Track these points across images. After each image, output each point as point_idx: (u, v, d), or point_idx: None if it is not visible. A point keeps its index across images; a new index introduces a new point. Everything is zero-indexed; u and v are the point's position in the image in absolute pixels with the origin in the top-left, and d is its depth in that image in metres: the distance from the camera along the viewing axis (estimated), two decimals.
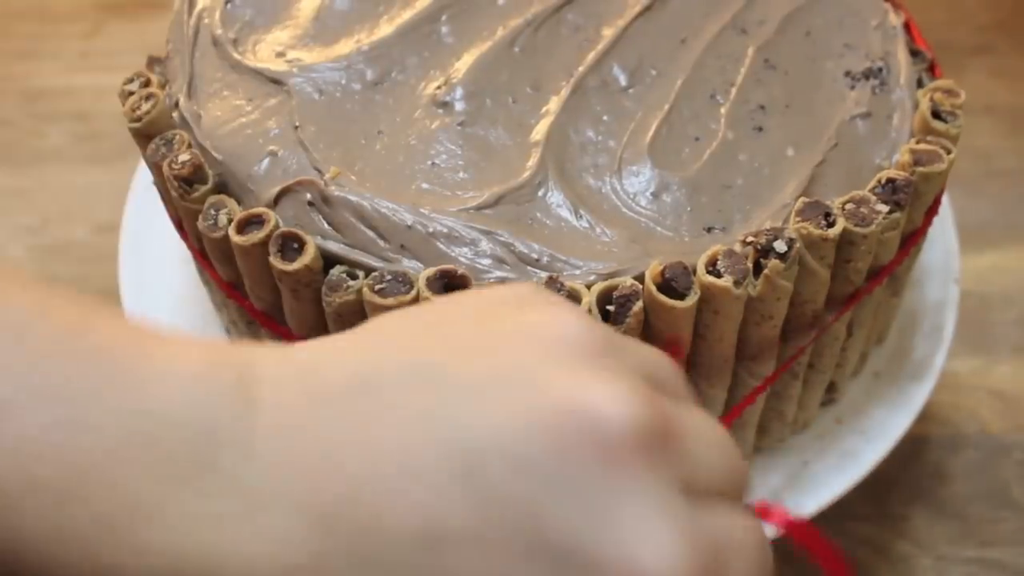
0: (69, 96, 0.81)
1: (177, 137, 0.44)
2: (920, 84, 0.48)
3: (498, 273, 0.39)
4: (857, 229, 0.40)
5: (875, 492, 0.58)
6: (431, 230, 0.40)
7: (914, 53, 0.49)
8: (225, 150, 0.43)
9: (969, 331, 0.64)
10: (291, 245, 0.40)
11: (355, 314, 0.40)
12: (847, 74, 0.47)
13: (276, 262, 0.39)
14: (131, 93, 0.45)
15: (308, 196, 0.41)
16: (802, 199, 0.41)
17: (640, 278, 0.39)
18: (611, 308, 0.38)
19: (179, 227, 0.47)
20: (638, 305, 0.38)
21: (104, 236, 0.69)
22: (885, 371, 0.55)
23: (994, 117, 0.77)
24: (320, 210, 0.41)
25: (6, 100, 0.81)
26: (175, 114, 0.45)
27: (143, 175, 0.61)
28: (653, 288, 0.38)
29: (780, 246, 0.39)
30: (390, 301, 0.39)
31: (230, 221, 0.41)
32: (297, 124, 0.44)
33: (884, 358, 0.55)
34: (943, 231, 0.58)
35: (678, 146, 0.45)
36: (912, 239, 0.46)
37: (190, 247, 0.47)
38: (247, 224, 0.41)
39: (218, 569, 0.25)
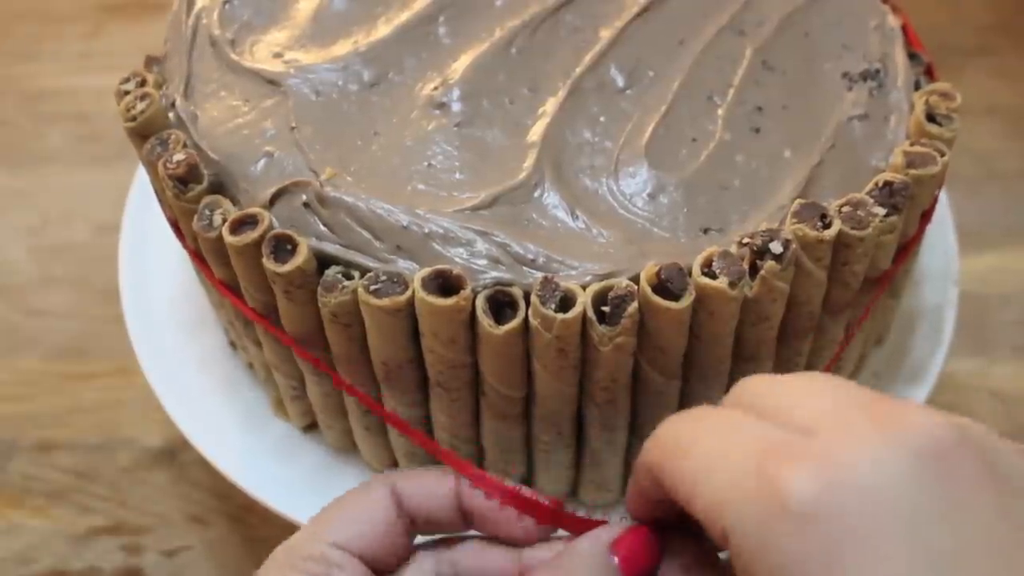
0: (69, 97, 0.81)
1: (172, 136, 0.44)
2: (918, 86, 0.48)
3: (494, 273, 0.39)
4: (853, 232, 0.40)
5: None
6: (427, 231, 0.40)
7: (911, 56, 0.49)
8: (221, 150, 0.43)
9: (968, 332, 0.64)
10: (284, 247, 0.40)
11: (350, 315, 0.40)
12: (845, 75, 0.47)
13: (269, 263, 0.40)
14: (127, 93, 0.45)
15: (304, 197, 0.41)
16: (798, 200, 0.41)
17: (636, 279, 0.39)
18: (606, 309, 0.38)
19: (175, 227, 0.47)
20: (633, 306, 0.38)
21: (104, 236, 0.69)
22: (884, 372, 0.55)
23: (995, 118, 0.77)
24: (316, 211, 0.41)
25: (6, 100, 0.81)
26: (171, 114, 0.45)
27: (143, 175, 0.61)
28: (648, 289, 0.38)
29: (776, 247, 0.39)
30: (385, 302, 0.39)
31: (224, 221, 0.41)
32: (293, 125, 0.44)
33: (883, 359, 0.55)
34: (942, 232, 0.58)
35: (675, 147, 0.45)
36: (908, 245, 0.46)
37: (186, 247, 0.47)
38: (241, 224, 0.41)
39: None
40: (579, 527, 0.37)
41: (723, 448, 0.30)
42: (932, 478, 0.27)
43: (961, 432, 0.28)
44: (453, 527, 0.38)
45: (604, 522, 0.36)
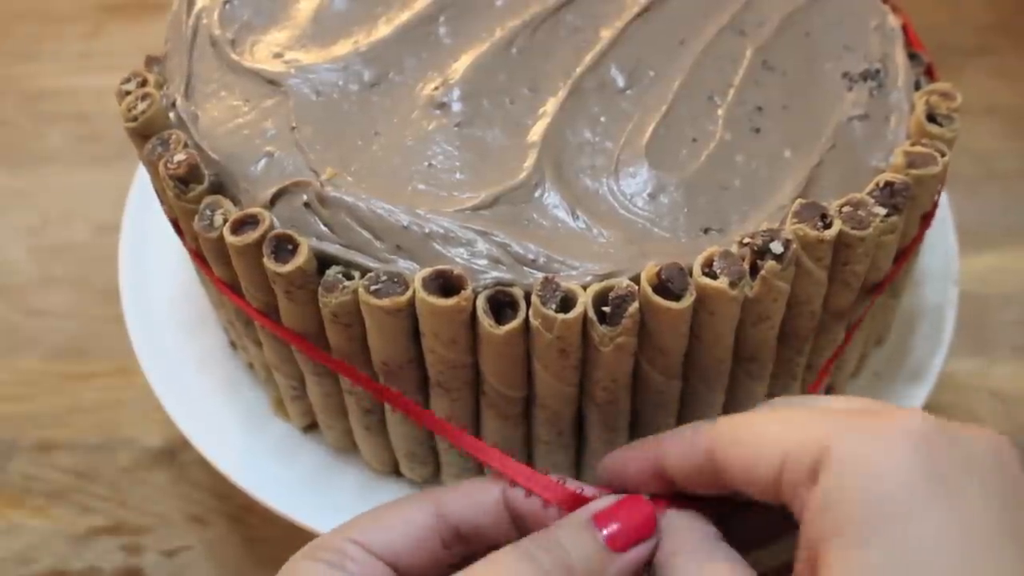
0: (69, 97, 0.81)
1: (173, 136, 0.44)
2: (918, 87, 0.48)
3: (494, 273, 0.39)
4: (854, 232, 0.40)
5: None
6: (427, 231, 0.40)
7: (911, 56, 0.49)
8: (222, 150, 0.43)
9: (969, 332, 0.64)
10: (285, 247, 0.40)
11: (351, 315, 0.40)
12: (845, 75, 0.47)
13: (269, 263, 0.40)
14: (127, 93, 0.45)
15: (304, 197, 0.41)
16: (799, 200, 0.41)
17: (637, 279, 0.39)
18: (606, 309, 0.38)
19: (176, 226, 0.47)
20: (634, 306, 0.38)
21: (104, 236, 0.69)
22: (885, 372, 0.55)
23: (994, 118, 0.77)
24: (316, 211, 0.41)
25: (6, 100, 0.81)
26: (172, 114, 0.45)
27: (143, 175, 0.61)
28: (649, 289, 0.38)
29: (776, 247, 0.39)
30: (385, 302, 0.39)
31: (225, 221, 0.41)
32: (294, 125, 0.44)
33: (884, 359, 0.55)
34: (942, 232, 0.58)
35: (675, 147, 0.45)
36: (909, 246, 0.46)
37: (187, 246, 0.47)
38: (242, 225, 0.41)
39: None
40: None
41: (800, 412, 0.34)
42: (1015, 462, 0.31)
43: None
44: (502, 535, 0.38)
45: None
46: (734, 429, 0.34)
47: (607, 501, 0.36)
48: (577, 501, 0.37)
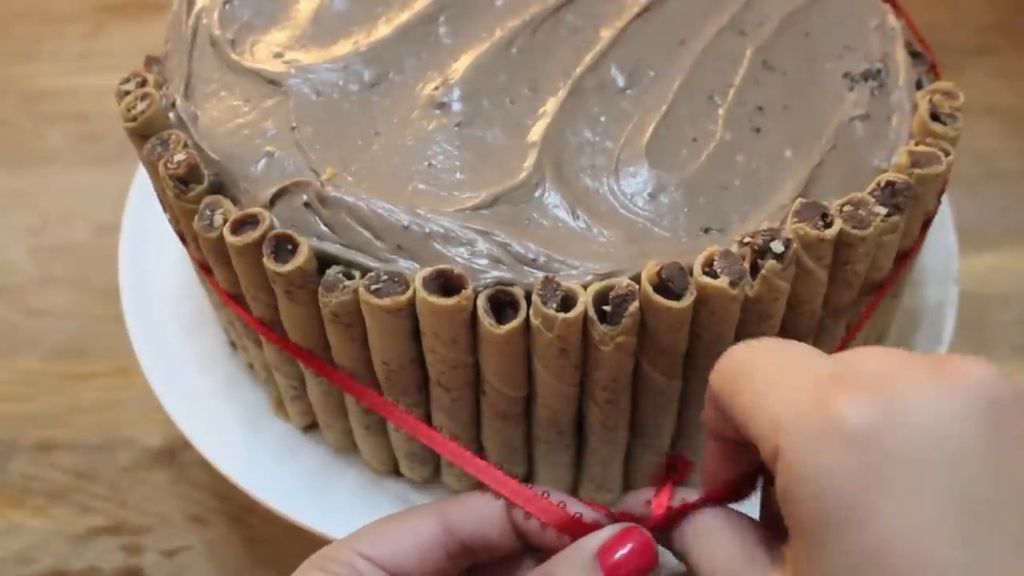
0: (69, 97, 0.81)
1: (173, 136, 0.44)
2: (920, 85, 0.48)
3: (495, 273, 0.39)
4: (854, 231, 0.40)
5: None
6: (427, 230, 0.40)
7: (915, 54, 0.49)
8: (222, 151, 0.43)
9: (968, 331, 0.64)
10: (285, 246, 0.40)
11: (351, 315, 0.40)
12: (846, 75, 0.47)
13: (269, 263, 0.39)
14: (127, 93, 0.45)
15: (304, 197, 0.41)
16: (799, 200, 0.41)
17: (637, 278, 0.39)
18: (607, 308, 0.38)
19: (181, 238, 0.47)
20: (634, 305, 0.38)
21: (104, 236, 0.69)
22: None
23: (994, 118, 0.77)
24: (316, 211, 0.41)
25: (6, 100, 0.81)
26: (172, 114, 0.45)
27: (143, 175, 0.61)
28: (649, 288, 0.38)
29: (777, 246, 0.39)
30: (386, 302, 0.39)
31: (225, 221, 0.41)
32: (294, 125, 0.44)
33: None
34: (942, 232, 0.58)
35: (675, 147, 0.45)
36: (913, 245, 0.46)
37: (192, 257, 0.47)
38: (242, 224, 0.41)
39: None
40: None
41: (782, 367, 0.31)
42: (984, 427, 0.27)
43: (1017, 391, 0.28)
44: (508, 548, 0.38)
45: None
46: (735, 375, 0.33)
47: (607, 533, 0.37)
48: (575, 525, 0.37)
